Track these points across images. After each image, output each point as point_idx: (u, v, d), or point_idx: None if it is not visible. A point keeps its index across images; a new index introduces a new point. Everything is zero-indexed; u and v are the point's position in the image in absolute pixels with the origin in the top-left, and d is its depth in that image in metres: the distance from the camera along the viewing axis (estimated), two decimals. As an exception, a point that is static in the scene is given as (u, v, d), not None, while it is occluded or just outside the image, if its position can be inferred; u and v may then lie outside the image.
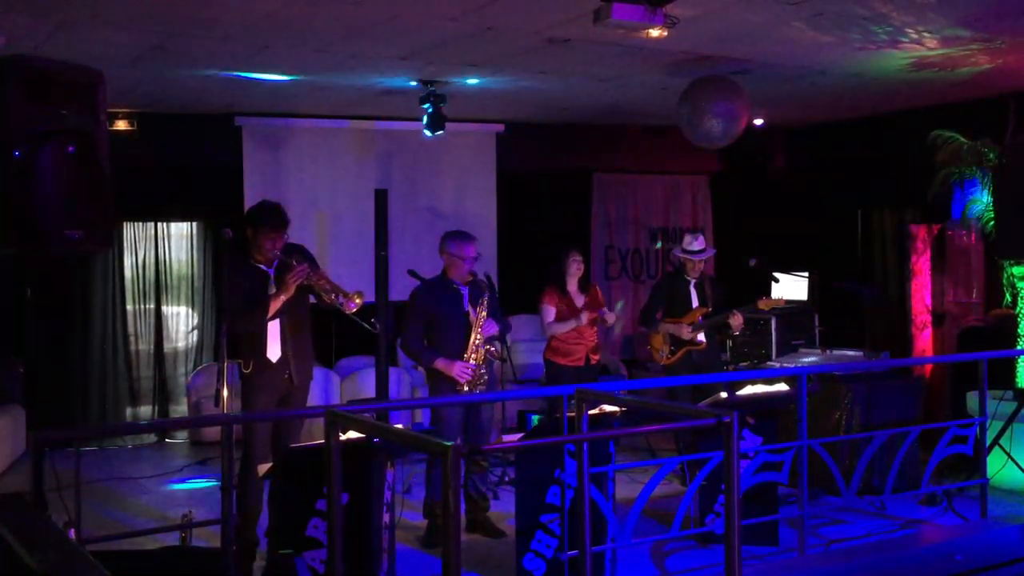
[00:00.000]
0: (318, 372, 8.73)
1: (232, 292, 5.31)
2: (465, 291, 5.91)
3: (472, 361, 5.80)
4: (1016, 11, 5.68)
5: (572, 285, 7.01)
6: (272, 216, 5.44)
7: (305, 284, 5.36)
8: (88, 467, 6.55)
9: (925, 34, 6.21)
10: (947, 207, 7.92)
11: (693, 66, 6.91)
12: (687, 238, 7.31)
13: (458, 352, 5.80)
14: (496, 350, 5.96)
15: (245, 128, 9.09)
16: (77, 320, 8.84)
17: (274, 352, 5.37)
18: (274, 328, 5.37)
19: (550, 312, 6.95)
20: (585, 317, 6.85)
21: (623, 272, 10.73)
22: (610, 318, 6.99)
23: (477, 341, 5.83)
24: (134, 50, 6.31)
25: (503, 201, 10.01)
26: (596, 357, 7.06)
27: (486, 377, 5.86)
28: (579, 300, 6.99)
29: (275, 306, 5.31)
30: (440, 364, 5.77)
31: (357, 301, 5.38)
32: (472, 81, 7.59)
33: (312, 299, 5.58)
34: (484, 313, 5.85)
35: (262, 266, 5.43)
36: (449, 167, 9.81)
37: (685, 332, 7.02)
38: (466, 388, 5.77)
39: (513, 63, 6.94)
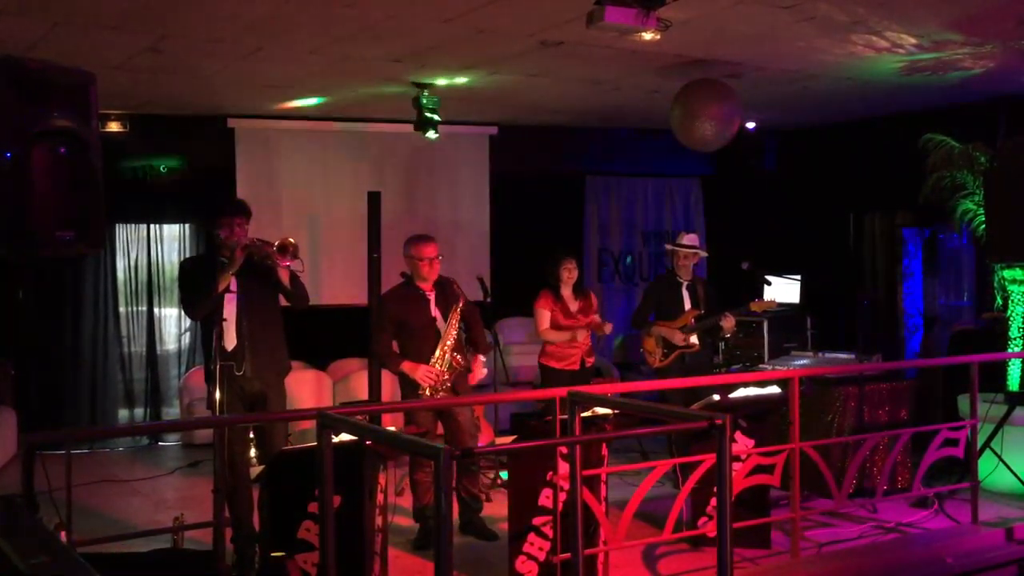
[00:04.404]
0: (311, 375, 8.76)
1: (189, 283, 5.32)
2: (431, 296, 5.91)
3: (437, 366, 5.80)
4: (1006, 15, 5.71)
5: (566, 290, 7.01)
6: (227, 203, 5.46)
7: (255, 257, 5.20)
8: (80, 469, 6.52)
9: (917, 38, 6.23)
10: (939, 210, 7.94)
11: (685, 69, 6.93)
12: (681, 234, 7.36)
13: (424, 356, 5.81)
14: (463, 359, 5.94)
15: (238, 130, 9.08)
16: (69, 322, 8.82)
17: (229, 340, 5.23)
18: (229, 313, 5.23)
19: (544, 318, 6.95)
20: (581, 335, 6.87)
21: (616, 275, 10.74)
22: (607, 328, 7.00)
23: (447, 347, 5.82)
24: (126, 52, 6.30)
25: (496, 203, 10.01)
26: (591, 360, 7.07)
27: (448, 384, 5.84)
28: (573, 305, 6.99)
29: (223, 280, 5.16)
30: (405, 367, 5.80)
31: (290, 244, 5.16)
32: (465, 83, 7.59)
33: (283, 301, 5.47)
34: (457, 319, 5.84)
35: (225, 259, 5.27)
36: (442, 169, 9.80)
37: (678, 339, 7.02)
38: (428, 392, 5.77)
39: (506, 65, 6.94)
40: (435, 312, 5.89)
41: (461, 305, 5.89)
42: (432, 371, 5.78)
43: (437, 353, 5.81)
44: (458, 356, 5.87)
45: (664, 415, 4.14)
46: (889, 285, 9.48)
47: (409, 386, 5.86)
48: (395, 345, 5.97)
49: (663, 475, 6.69)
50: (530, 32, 5.98)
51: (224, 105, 8.52)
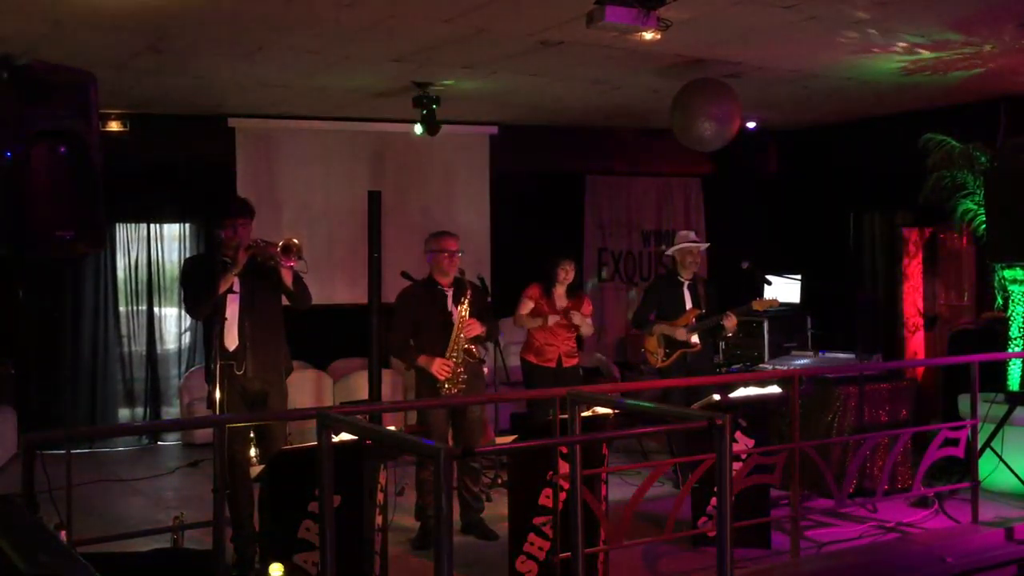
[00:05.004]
0: (311, 374, 8.77)
1: (192, 281, 5.33)
2: (449, 292, 5.98)
3: (452, 360, 5.83)
4: (1006, 16, 5.71)
5: (559, 289, 7.02)
6: (231, 204, 5.48)
7: (258, 258, 5.21)
8: (80, 469, 6.51)
9: (917, 38, 6.23)
10: (939, 210, 7.94)
11: (685, 69, 6.93)
12: (681, 234, 7.33)
13: (439, 350, 5.85)
14: (477, 350, 5.96)
15: (238, 129, 9.08)
16: (68, 321, 8.82)
17: (231, 339, 5.23)
18: (232, 313, 5.24)
19: (525, 305, 6.98)
20: (552, 319, 6.85)
21: (616, 274, 10.74)
22: (576, 318, 6.93)
23: (459, 340, 5.85)
24: (127, 51, 6.30)
25: (496, 203, 10.01)
26: (572, 361, 7.03)
27: (464, 377, 5.87)
28: (561, 303, 7.00)
29: (225, 281, 5.16)
30: (421, 360, 5.86)
31: (294, 245, 5.17)
32: (465, 83, 7.59)
33: (285, 300, 5.48)
34: (466, 312, 5.87)
35: (228, 260, 5.27)
36: (442, 169, 9.81)
37: (680, 334, 7.01)
38: (447, 386, 5.81)
39: (506, 65, 6.94)
40: (451, 307, 5.95)
41: (469, 295, 5.91)
42: (448, 364, 5.82)
43: (450, 345, 5.85)
44: (471, 347, 5.90)
45: (665, 415, 4.14)
46: (889, 285, 9.47)
47: (426, 381, 5.91)
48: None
49: (663, 475, 6.70)
50: (530, 32, 5.98)
51: (224, 104, 8.52)
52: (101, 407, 8.95)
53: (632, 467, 6.48)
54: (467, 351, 5.89)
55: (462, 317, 5.86)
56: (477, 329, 5.90)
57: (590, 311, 7.14)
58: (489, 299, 7.16)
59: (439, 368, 5.81)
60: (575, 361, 7.09)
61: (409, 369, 6.30)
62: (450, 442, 6.02)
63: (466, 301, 5.89)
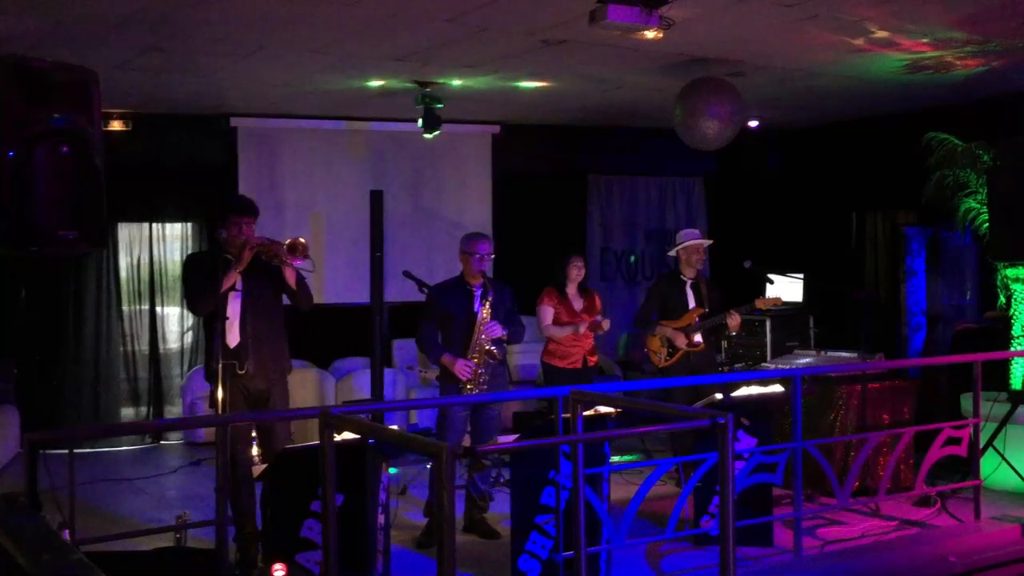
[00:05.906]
0: (313, 373, 8.77)
1: (194, 279, 5.34)
2: (478, 292, 6.01)
3: (474, 360, 5.85)
4: (1009, 14, 5.70)
5: (571, 288, 7.02)
6: (236, 202, 5.53)
7: (263, 256, 5.22)
8: (82, 468, 6.53)
9: (919, 37, 6.22)
10: (941, 209, 7.93)
11: (688, 68, 6.92)
12: (685, 232, 7.30)
13: (462, 350, 5.88)
14: (498, 351, 5.97)
15: (240, 129, 9.08)
16: (71, 320, 8.82)
17: (232, 337, 5.23)
18: (233, 311, 5.24)
19: (548, 314, 6.95)
20: (583, 327, 6.87)
21: (618, 274, 10.74)
22: (606, 324, 6.98)
23: (480, 341, 5.87)
24: (129, 50, 6.30)
25: (499, 202, 10.01)
26: (594, 359, 7.06)
27: (485, 378, 5.89)
28: (577, 304, 6.99)
29: (229, 279, 5.17)
30: (445, 359, 5.92)
31: (301, 244, 5.20)
32: (468, 82, 7.59)
33: (287, 300, 5.49)
34: (487, 314, 5.89)
35: (231, 258, 5.26)
36: (444, 168, 9.81)
37: (680, 341, 6.99)
38: (470, 387, 5.85)
39: (509, 64, 6.94)
40: (477, 307, 5.99)
41: (491, 297, 5.93)
42: (469, 365, 5.86)
43: (471, 346, 5.89)
44: (493, 348, 5.92)
45: (667, 414, 4.13)
46: (892, 284, 9.48)
47: (449, 380, 5.96)
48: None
49: (665, 474, 6.69)
50: (532, 31, 5.98)
51: (226, 104, 8.53)
52: (104, 406, 8.96)
53: (635, 466, 6.47)
54: (488, 352, 5.90)
55: (482, 319, 5.89)
56: (497, 331, 5.91)
57: (599, 306, 7.16)
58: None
59: (461, 369, 5.84)
60: (596, 359, 7.12)
61: (433, 365, 6.33)
62: (468, 440, 6.06)
63: (487, 303, 5.91)
